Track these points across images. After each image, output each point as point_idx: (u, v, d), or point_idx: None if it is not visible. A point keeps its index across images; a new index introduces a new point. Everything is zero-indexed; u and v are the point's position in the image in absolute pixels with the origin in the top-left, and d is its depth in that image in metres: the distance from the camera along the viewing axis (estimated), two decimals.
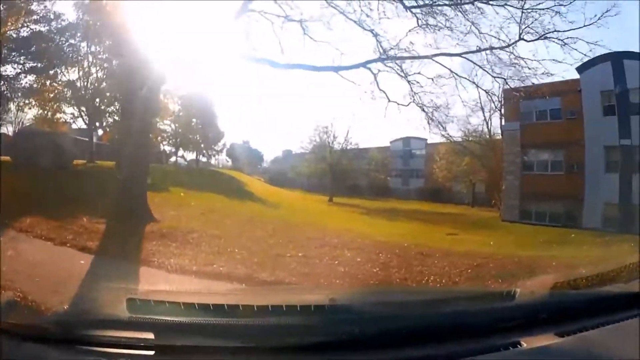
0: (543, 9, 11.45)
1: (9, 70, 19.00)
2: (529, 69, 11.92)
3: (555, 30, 11.54)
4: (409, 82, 12.86)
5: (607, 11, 11.22)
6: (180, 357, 1.70)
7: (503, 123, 22.97)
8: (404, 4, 12.06)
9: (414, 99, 13.05)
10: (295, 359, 1.71)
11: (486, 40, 12.09)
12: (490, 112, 24.93)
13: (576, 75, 17.17)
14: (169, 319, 1.80)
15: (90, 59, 20.03)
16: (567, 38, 11.40)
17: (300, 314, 2.02)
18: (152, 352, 1.65)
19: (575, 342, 1.86)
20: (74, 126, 21.80)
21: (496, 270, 6.95)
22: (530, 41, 11.89)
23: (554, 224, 17.55)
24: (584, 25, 11.26)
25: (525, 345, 1.77)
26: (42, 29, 18.65)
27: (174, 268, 6.10)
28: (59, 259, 6.41)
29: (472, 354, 1.70)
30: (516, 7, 11.58)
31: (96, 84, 20.29)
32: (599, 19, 11.21)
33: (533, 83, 12.37)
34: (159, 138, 25.23)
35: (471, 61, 12.74)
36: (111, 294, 2.66)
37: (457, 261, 7.64)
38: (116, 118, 19.78)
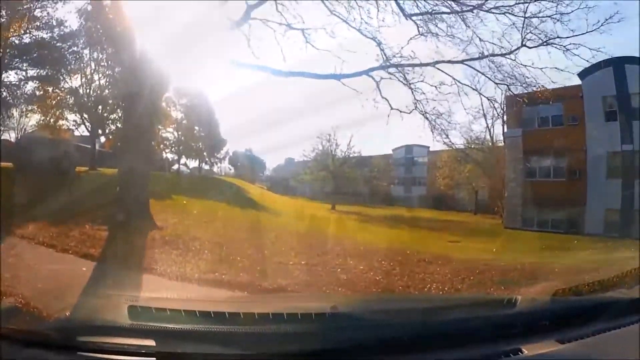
0: (545, 17, 11.49)
1: (12, 76, 19.14)
2: (531, 75, 11.96)
3: (557, 37, 11.56)
4: (411, 89, 12.89)
5: (610, 17, 11.21)
6: None
7: (505, 130, 22.91)
8: (404, 12, 12.15)
9: (417, 107, 13.06)
10: None
11: (488, 48, 12.15)
12: (492, 119, 24.86)
13: (578, 81, 17.16)
14: (170, 326, 1.81)
15: (93, 65, 20.21)
16: (570, 44, 11.42)
17: (301, 322, 2.02)
18: (153, 359, 1.65)
19: (576, 348, 1.85)
20: (76, 133, 21.88)
21: (498, 278, 6.95)
22: (532, 47, 11.92)
23: (556, 230, 17.42)
24: (587, 32, 11.27)
25: (526, 352, 1.77)
26: (45, 35, 18.72)
27: (175, 275, 6.10)
28: (61, 266, 6.41)
29: None
30: (517, 15, 11.62)
31: (99, 91, 20.44)
32: (602, 25, 11.21)
33: (535, 89, 12.37)
34: (162, 146, 25.34)
35: (473, 68, 12.78)
36: (113, 300, 2.66)
37: (459, 268, 7.63)
38: (119, 125, 19.84)
